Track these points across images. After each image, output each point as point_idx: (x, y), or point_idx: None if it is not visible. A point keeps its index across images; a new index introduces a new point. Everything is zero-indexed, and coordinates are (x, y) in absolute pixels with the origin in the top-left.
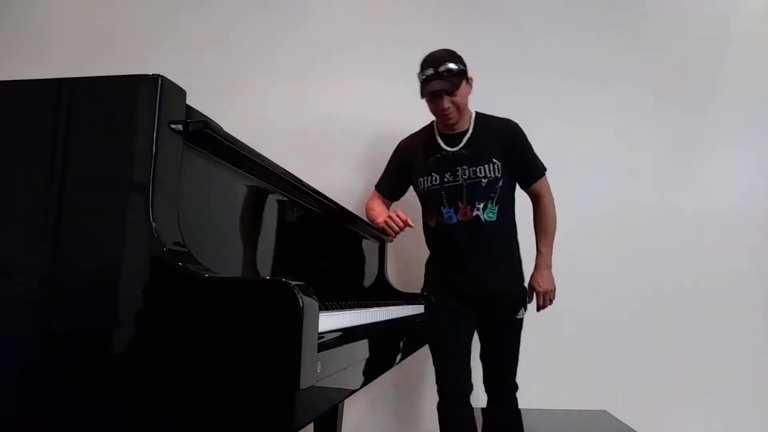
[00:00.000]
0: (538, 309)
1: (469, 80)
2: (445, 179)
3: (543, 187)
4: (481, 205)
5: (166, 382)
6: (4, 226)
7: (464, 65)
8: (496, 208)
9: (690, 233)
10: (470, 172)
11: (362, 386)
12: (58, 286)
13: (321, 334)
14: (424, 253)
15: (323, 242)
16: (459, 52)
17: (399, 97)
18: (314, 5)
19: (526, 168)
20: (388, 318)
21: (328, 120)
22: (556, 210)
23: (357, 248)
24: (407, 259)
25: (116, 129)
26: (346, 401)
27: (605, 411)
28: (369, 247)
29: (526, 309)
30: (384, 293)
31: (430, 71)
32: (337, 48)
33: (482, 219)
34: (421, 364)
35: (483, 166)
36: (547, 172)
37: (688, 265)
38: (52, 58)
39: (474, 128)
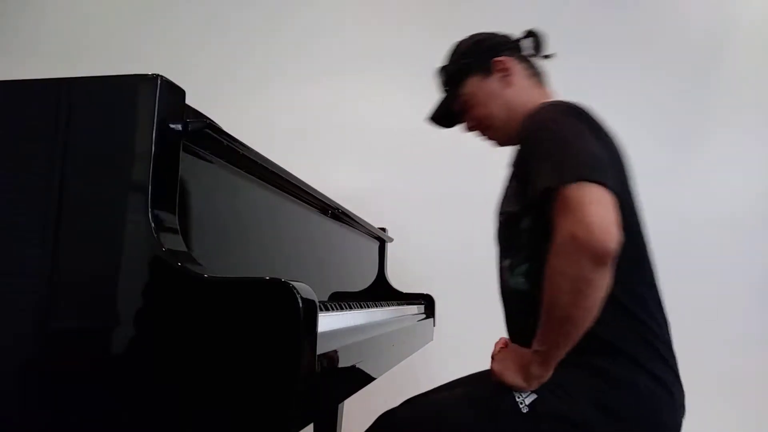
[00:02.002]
0: None
1: (485, 70)
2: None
3: (555, 214)
4: (507, 262)
5: (165, 382)
6: (4, 226)
7: (466, 54)
8: (526, 266)
9: (691, 234)
10: (500, 205)
11: (362, 386)
12: (58, 286)
13: (320, 334)
14: (425, 252)
15: (323, 242)
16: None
17: (400, 96)
18: (316, 5)
19: (529, 178)
20: (388, 318)
21: (328, 120)
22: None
23: (357, 248)
24: (407, 259)
25: (115, 129)
26: (345, 401)
27: None
28: (369, 247)
29: (530, 403)
30: (384, 293)
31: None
32: (338, 48)
33: (509, 285)
34: (422, 364)
35: (504, 192)
36: (581, 186)
37: (690, 266)
38: (48, 56)
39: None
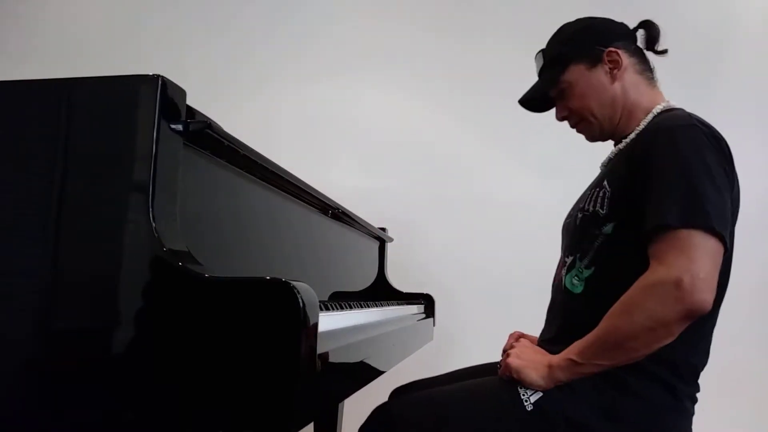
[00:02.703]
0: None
1: (592, 59)
2: (571, 213)
3: (658, 254)
4: (569, 260)
5: (165, 381)
6: (4, 226)
7: (573, 39)
8: (589, 271)
9: None
10: (582, 201)
11: (362, 386)
12: (58, 286)
13: (320, 334)
14: (424, 252)
15: (323, 242)
16: (459, 56)
17: (400, 96)
18: (316, 5)
19: (643, 204)
20: (388, 318)
21: (328, 120)
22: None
23: (357, 248)
24: (407, 259)
25: (116, 129)
26: (345, 400)
27: None
28: (369, 247)
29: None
30: (384, 293)
31: None
32: (338, 48)
33: (563, 282)
34: (421, 363)
35: (592, 191)
36: (704, 236)
37: None
38: (48, 56)
39: (637, 134)
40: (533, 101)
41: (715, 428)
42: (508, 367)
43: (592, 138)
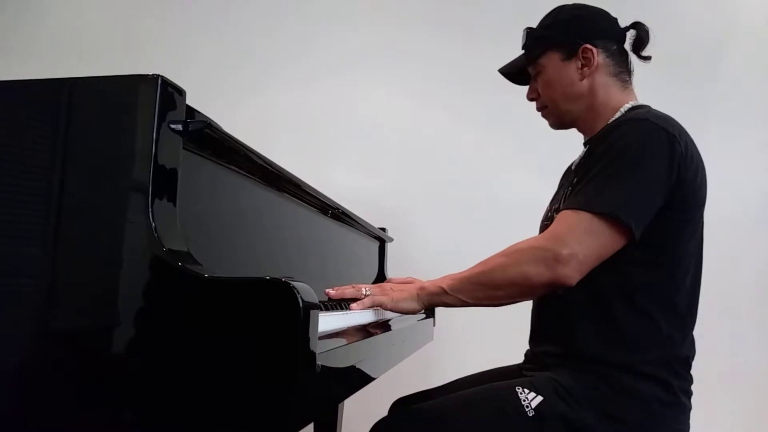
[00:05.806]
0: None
1: (569, 51)
2: (547, 215)
3: (554, 225)
4: None
5: (165, 381)
6: (4, 226)
7: (557, 26)
8: None
9: None
10: (556, 201)
11: (363, 386)
12: (58, 286)
13: (321, 334)
14: (424, 252)
15: (323, 242)
16: (460, 55)
17: (400, 96)
18: (316, 4)
19: (575, 188)
20: (388, 317)
21: (328, 120)
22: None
23: (357, 248)
24: (407, 259)
25: (116, 129)
26: (346, 401)
27: None
28: (369, 247)
29: (538, 408)
30: None
31: None
32: (338, 48)
33: None
34: (421, 364)
35: (565, 190)
36: (589, 217)
37: None
38: (48, 56)
39: (602, 131)
40: (511, 74)
41: (716, 427)
42: (382, 304)
43: (554, 126)
